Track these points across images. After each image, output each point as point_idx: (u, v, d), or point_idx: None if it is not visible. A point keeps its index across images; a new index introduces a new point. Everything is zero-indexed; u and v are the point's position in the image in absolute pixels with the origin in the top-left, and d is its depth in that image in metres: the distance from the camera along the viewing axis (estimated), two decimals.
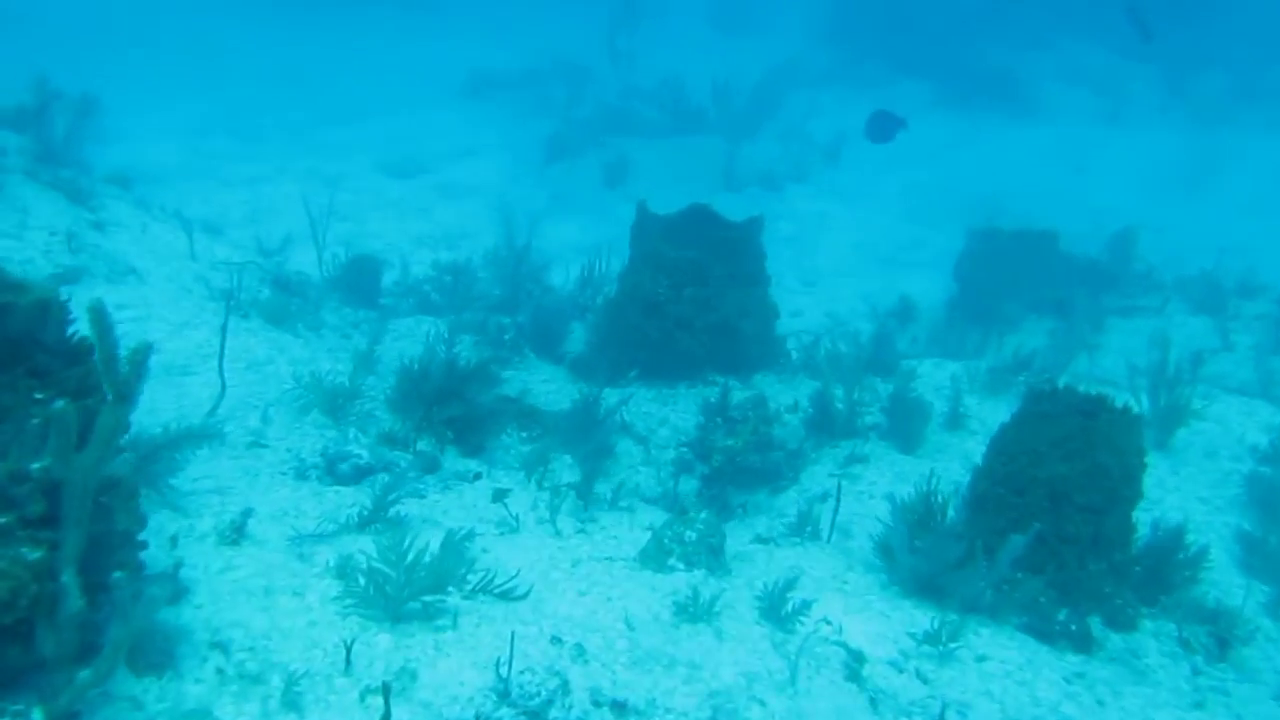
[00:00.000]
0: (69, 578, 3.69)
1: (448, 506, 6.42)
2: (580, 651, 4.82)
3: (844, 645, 5.30)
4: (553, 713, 4.39)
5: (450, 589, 5.05)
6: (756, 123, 21.32)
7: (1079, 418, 6.20)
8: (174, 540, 5.22)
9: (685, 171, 18.37)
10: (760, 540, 6.64)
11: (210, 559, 5.13)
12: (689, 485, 7.80)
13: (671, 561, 5.84)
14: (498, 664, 4.53)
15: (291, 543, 5.43)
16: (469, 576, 5.17)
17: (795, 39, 27.84)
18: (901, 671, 5.18)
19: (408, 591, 4.82)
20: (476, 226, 15.65)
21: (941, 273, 13.66)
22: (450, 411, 7.42)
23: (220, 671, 4.30)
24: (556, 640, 4.87)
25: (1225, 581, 6.82)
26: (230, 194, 16.24)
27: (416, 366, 7.59)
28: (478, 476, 6.99)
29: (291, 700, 4.20)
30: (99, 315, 3.71)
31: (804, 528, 6.75)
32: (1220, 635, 6.03)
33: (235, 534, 5.38)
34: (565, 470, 7.36)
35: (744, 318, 9.39)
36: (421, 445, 7.19)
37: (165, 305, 8.47)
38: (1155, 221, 15.74)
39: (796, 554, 6.38)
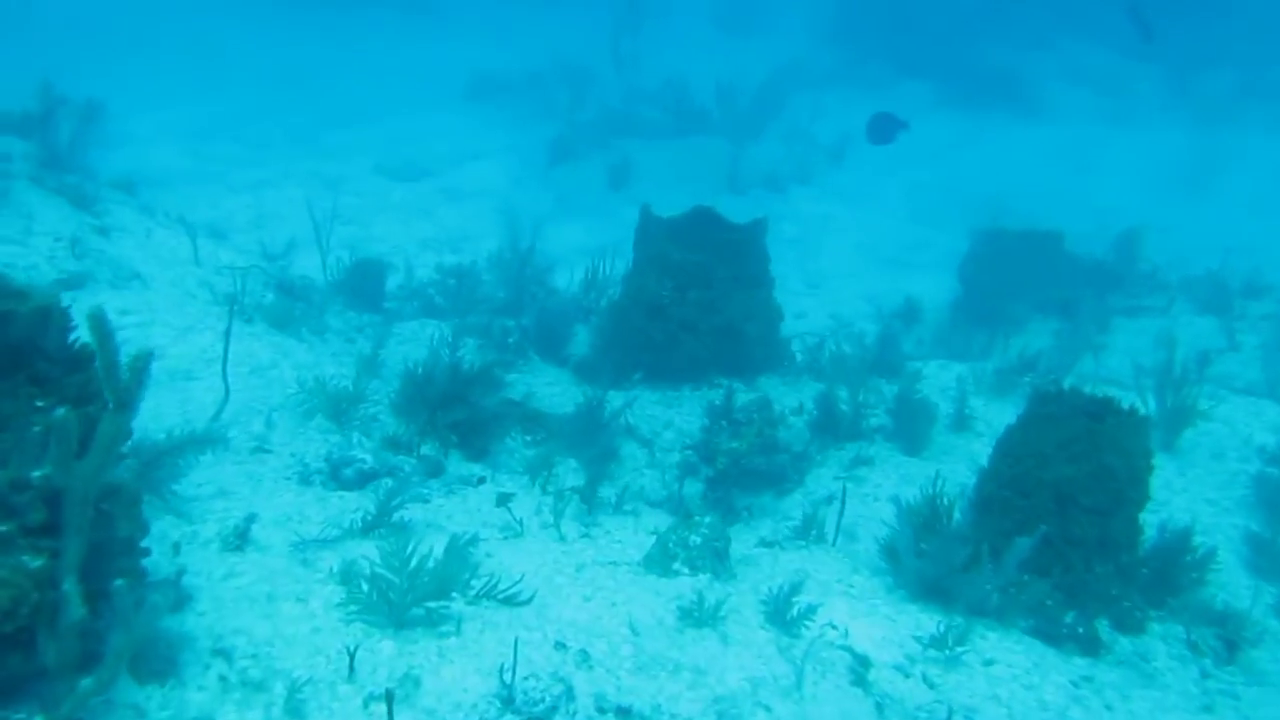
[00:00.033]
0: (70, 586, 3.68)
1: (452, 511, 6.40)
2: (585, 657, 4.80)
3: (850, 650, 5.27)
4: (557, 719, 4.37)
5: (454, 594, 5.03)
6: (760, 124, 21.29)
7: (1085, 419, 6.18)
8: (177, 546, 5.21)
9: (689, 173, 18.35)
10: (765, 544, 6.62)
11: (213, 565, 5.12)
12: (694, 488, 7.78)
13: (676, 566, 5.81)
14: (501, 670, 4.51)
15: (295, 548, 5.42)
16: (473, 582, 5.15)
17: (799, 40, 27.79)
18: (908, 676, 5.15)
19: (411, 597, 4.80)
20: (481, 229, 15.64)
21: (946, 274, 13.61)
22: (454, 415, 7.41)
23: (223, 679, 4.29)
24: (561, 646, 4.85)
25: (1233, 583, 6.79)
26: (234, 198, 16.25)
27: (421, 370, 7.58)
28: (482, 480, 6.98)
29: (294, 708, 4.19)
30: (99, 322, 3.70)
31: (809, 531, 6.72)
32: (1229, 638, 6.00)
33: (239, 540, 5.37)
34: (569, 474, 7.34)
35: (748, 320, 9.37)
36: (425, 449, 7.17)
37: (169, 310, 8.47)
38: (1160, 221, 15.65)
39: (802, 557, 6.36)
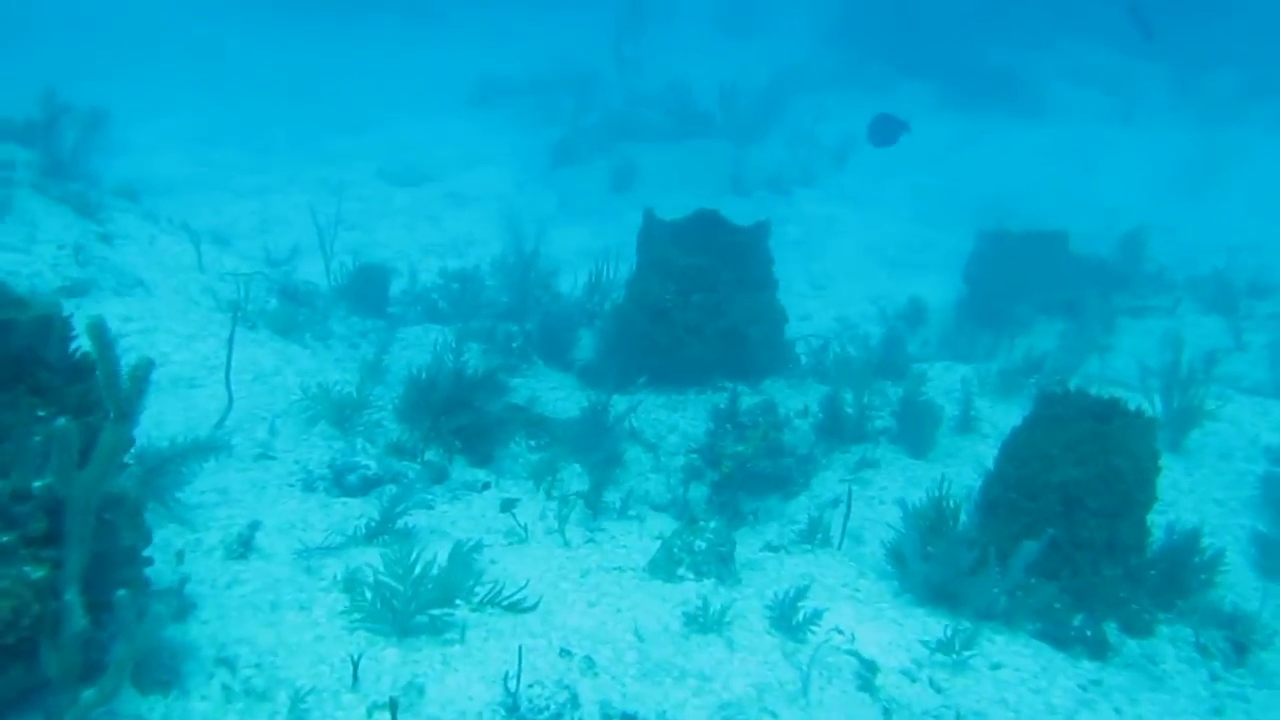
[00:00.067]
0: (72, 596, 3.66)
1: (456, 517, 6.38)
2: (590, 664, 4.78)
3: (856, 654, 5.24)
4: None
5: (458, 601, 5.01)
6: (763, 126, 21.25)
7: (1092, 421, 6.15)
8: (180, 555, 5.20)
9: (692, 176, 18.32)
10: (771, 548, 6.60)
11: (217, 573, 5.10)
12: (699, 492, 7.76)
13: (681, 571, 5.79)
14: (506, 678, 4.49)
15: (299, 556, 5.41)
16: (477, 588, 5.13)
17: (801, 42, 27.78)
18: (915, 681, 5.13)
19: (415, 605, 4.78)
20: (484, 234, 15.62)
21: (951, 275, 13.57)
22: (458, 421, 7.39)
23: (226, 688, 4.28)
24: (565, 653, 4.83)
25: (1242, 585, 6.75)
26: (238, 204, 16.26)
27: (424, 376, 7.57)
28: (486, 486, 6.96)
29: (298, 717, 4.17)
30: (99, 332, 3.69)
31: (815, 534, 6.70)
32: (1238, 640, 5.96)
33: (242, 548, 5.36)
34: (574, 479, 7.32)
35: (752, 323, 9.35)
36: (429, 455, 7.16)
37: (173, 317, 8.46)
38: (1165, 221, 15.62)
39: (807, 561, 6.33)
